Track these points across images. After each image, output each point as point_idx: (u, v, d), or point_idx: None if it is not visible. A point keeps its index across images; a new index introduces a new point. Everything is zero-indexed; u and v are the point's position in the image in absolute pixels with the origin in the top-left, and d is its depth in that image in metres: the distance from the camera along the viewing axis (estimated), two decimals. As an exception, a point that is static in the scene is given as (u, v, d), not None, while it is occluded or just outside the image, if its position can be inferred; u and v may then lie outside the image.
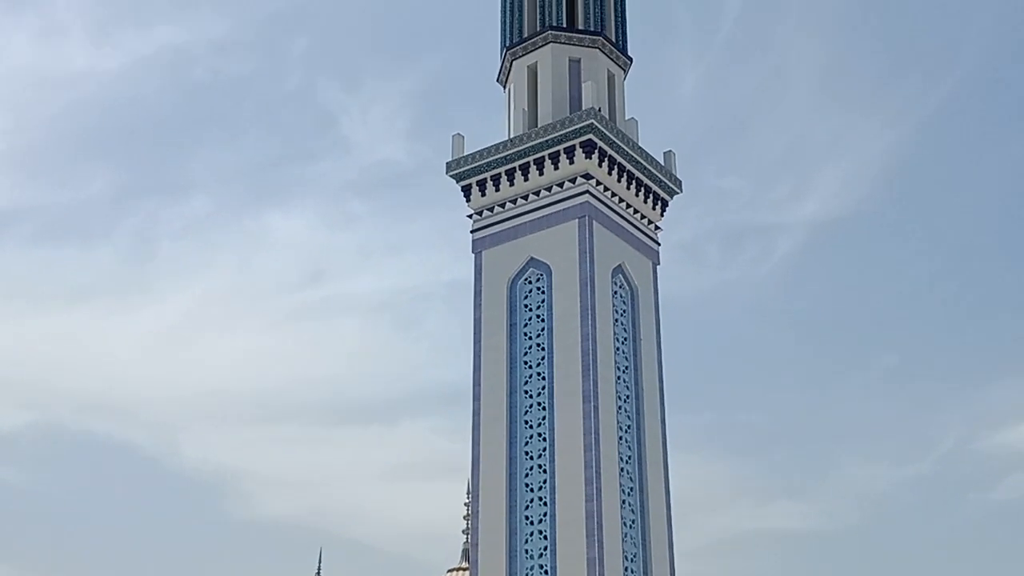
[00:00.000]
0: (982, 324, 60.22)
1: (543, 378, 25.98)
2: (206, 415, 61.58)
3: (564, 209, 27.33)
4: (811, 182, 62.59)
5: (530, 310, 26.87)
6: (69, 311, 63.04)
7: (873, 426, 59.53)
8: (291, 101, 64.72)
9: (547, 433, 25.37)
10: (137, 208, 64.69)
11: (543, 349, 26.27)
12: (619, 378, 26.31)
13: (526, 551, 24.78)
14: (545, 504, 24.78)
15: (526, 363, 26.39)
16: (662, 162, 29.25)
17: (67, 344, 60.93)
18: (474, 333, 27.31)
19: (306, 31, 65.26)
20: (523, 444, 25.66)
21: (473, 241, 28.23)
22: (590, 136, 27.39)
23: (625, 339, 27.03)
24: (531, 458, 25.45)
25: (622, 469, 25.53)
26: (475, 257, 28.08)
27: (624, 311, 27.40)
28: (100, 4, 63.43)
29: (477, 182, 28.46)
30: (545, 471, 25.07)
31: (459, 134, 29.16)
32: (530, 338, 26.58)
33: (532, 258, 27.31)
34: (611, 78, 29.57)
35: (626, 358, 26.84)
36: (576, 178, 27.38)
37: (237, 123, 65.37)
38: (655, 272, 28.63)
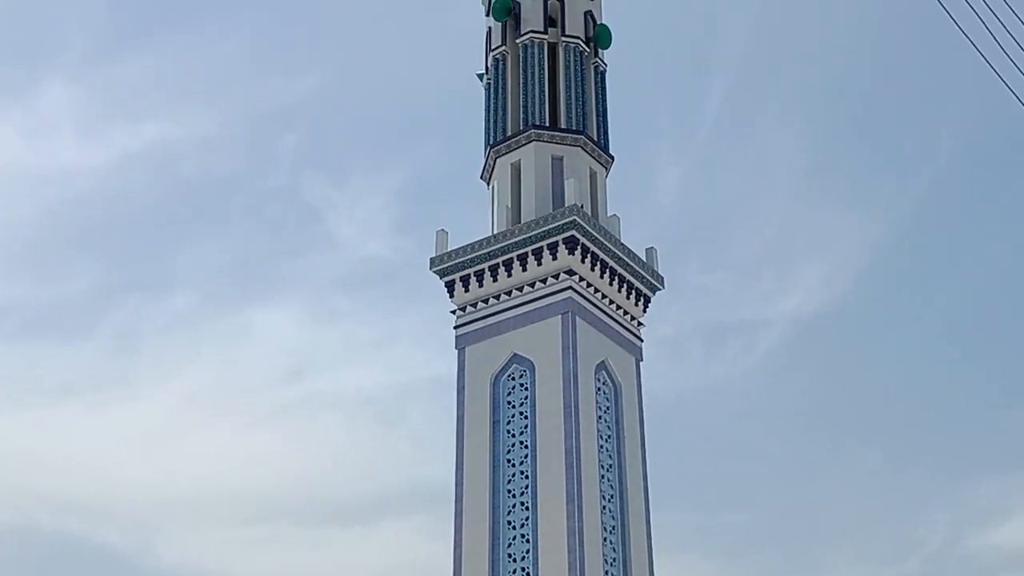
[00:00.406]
0: (966, 420, 59.83)
1: (526, 477, 25.54)
2: (185, 516, 60.46)
3: (547, 305, 27.16)
4: (793, 278, 62.62)
5: (513, 407, 26.51)
6: (50, 408, 62.18)
7: (859, 525, 58.79)
8: (278, 197, 64.69)
9: (530, 534, 24.85)
10: (121, 304, 64.20)
11: (527, 447, 25.87)
12: (603, 477, 25.87)
13: (509, 654, 24.16)
14: (528, 606, 24.21)
15: (509, 461, 25.97)
16: (644, 258, 29.16)
17: (47, 442, 60.01)
18: (457, 430, 26.91)
19: (295, 128, 65.48)
20: (506, 546, 25.11)
21: (456, 337, 27.96)
22: (573, 232, 27.33)
23: (609, 436, 26.67)
24: (514, 560, 24.88)
25: (607, 572, 24.99)
26: (458, 353, 27.78)
27: (608, 408, 27.06)
28: (90, 101, 63.59)
29: (460, 278, 28.29)
30: (528, 575, 24.54)
31: (443, 230, 29.06)
32: (513, 435, 26.20)
33: (515, 354, 27.04)
34: (593, 176, 29.60)
35: (610, 456, 26.45)
36: (559, 274, 27.25)
37: (224, 219, 65.26)
38: (638, 369, 28.36)
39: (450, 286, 28.40)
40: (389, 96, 62.80)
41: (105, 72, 63.43)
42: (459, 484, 26.20)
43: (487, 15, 31.51)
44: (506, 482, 25.77)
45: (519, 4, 30.65)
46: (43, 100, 63.42)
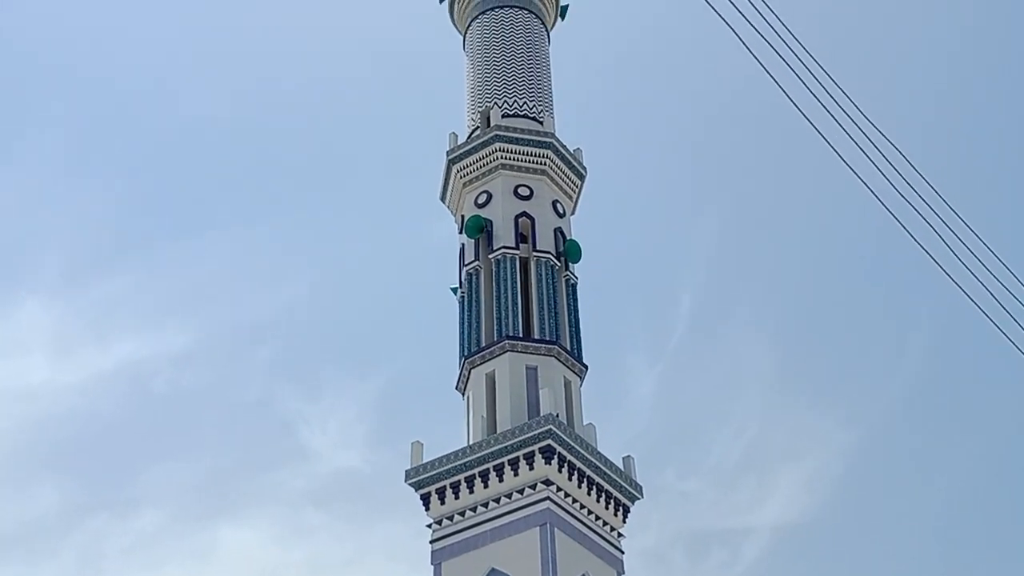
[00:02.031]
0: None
1: None
2: None
3: (525, 516, 25.96)
4: (773, 484, 61.40)
5: (492, 623, 25.05)
6: (11, 636, 59.23)
7: None
8: (250, 411, 63.54)
9: None
10: (86, 524, 61.89)
11: (507, 665, 24.31)
12: None
13: None
14: None
15: None
16: (622, 467, 28.19)
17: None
18: (433, 650, 25.36)
19: (267, 342, 64.96)
20: None
21: (432, 552, 26.59)
22: (549, 442, 26.43)
23: (592, 652, 25.13)
24: None
25: None
26: (434, 568, 26.33)
27: (589, 623, 25.61)
28: (65, 320, 63.09)
29: (436, 490, 27.16)
30: None
31: (418, 441, 28.08)
32: (493, 653, 24.66)
33: (493, 569, 25.67)
34: (568, 384, 28.92)
35: (594, 672, 24.86)
36: (536, 484, 26.18)
37: (194, 435, 63.86)
38: (620, 582, 27.03)
39: (426, 499, 27.24)
40: (363, 309, 62.87)
41: (81, 291, 63.21)
42: None
43: (460, 232, 31.46)
44: None
45: (491, 222, 30.63)
46: (18, 319, 62.80)
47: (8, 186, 62.89)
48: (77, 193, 64.76)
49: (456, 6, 34.81)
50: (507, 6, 33.86)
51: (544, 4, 34.43)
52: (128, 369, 62.25)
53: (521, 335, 29.02)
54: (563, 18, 34.95)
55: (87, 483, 62.45)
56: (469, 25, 34.32)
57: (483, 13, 34.03)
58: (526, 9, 34.01)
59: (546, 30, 34.44)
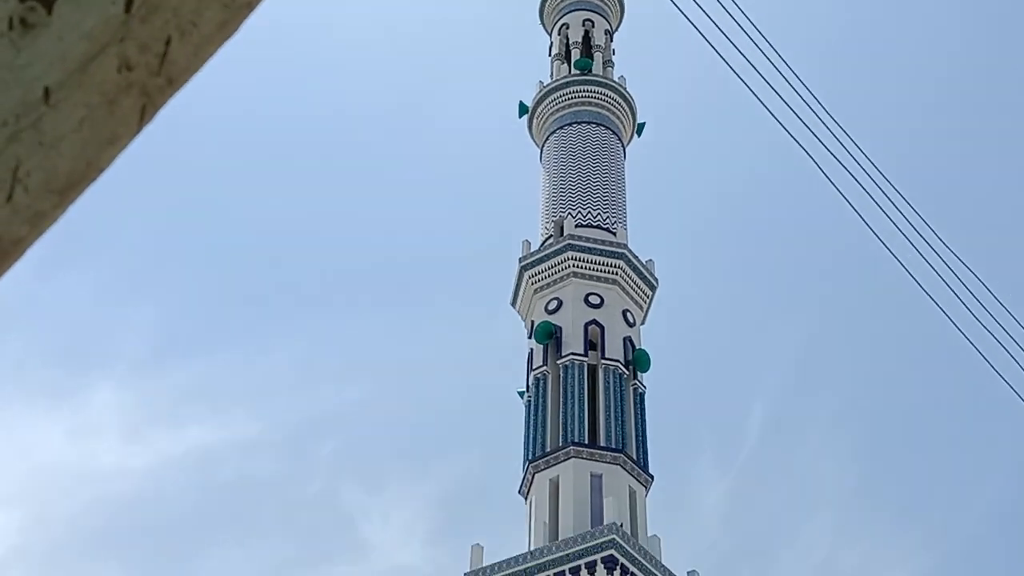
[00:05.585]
0: None
1: None
2: None
3: (584, 627, 24.11)
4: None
5: None
6: None
7: None
8: (312, 503, 61.76)
9: None
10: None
11: None
12: None
13: None
14: None
15: None
16: (686, 582, 26.23)
17: None
18: None
19: (333, 436, 63.58)
20: None
21: (488, 659, 24.76)
22: (612, 552, 24.60)
23: None
24: None
25: None
26: (490, 676, 24.50)
27: None
28: (136, 406, 62.31)
29: (495, 595, 25.38)
30: None
31: (478, 544, 26.38)
32: None
33: None
34: (633, 494, 27.13)
35: None
36: (597, 595, 24.34)
37: (256, 524, 62.14)
38: None
39: (484, 604, 25.48)
40: (428, 408, 61.31)
41: (153, 379, 62.52)
42: None
43: (529, 337, 30.17)
44: None
45: (560, 328, 29.36)
46: (91, 403, 62.10)
47: (90, 273, 62.95)
48: (153, 286, 64.63)
49: (535, 121, 34.09)
50: (584, 122, 33.07)
51: (621, 122, 33.57)
52: (196, 455, 61.27)
53: (587, 442, 27.42)
54: (639, 135, 34.04)
55: (148, 567, 60.81)
56: (547, 139, 33.50)
57: (561, 128, 33.25)
58: (603, 125, 33.17)
59: (622, 145, 33.52)
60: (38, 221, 1.53)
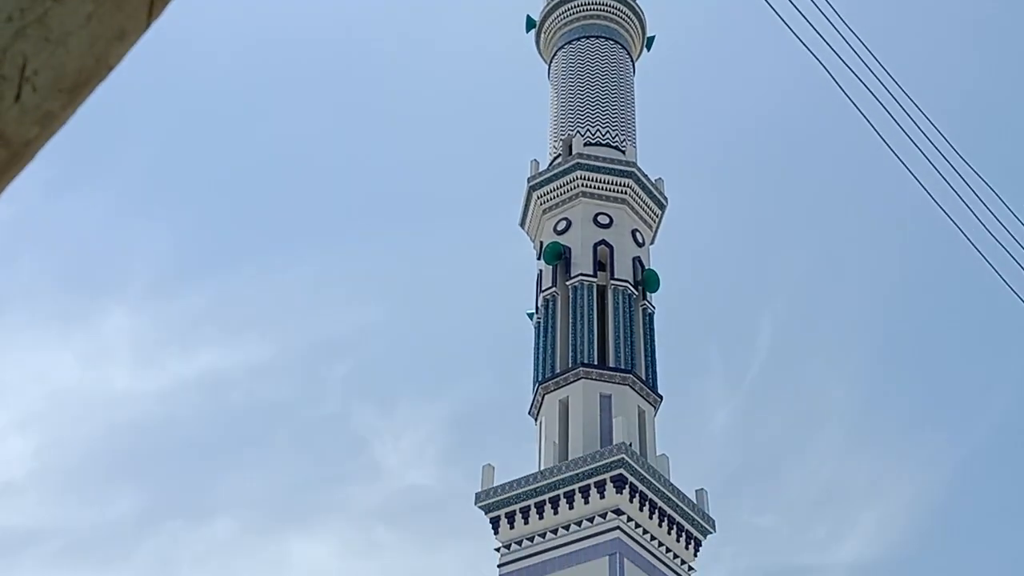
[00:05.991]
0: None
1: None
2: None
3: (594, 545, 24.27)
4: (851, 523, 58.45)
5: (557, 653, 23.35)
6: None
7: None
8: (325, 426, 62.20)
9: None
10: (160, 530, 60.96)
11: None
12: None
13: None
14: None
15: None
16: (695, 500, 26.42)
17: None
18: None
19: (346, 358, 63.75)
20: None
21: (500, 575, 25.08)
22: (621, 471, 24.75)
23: None
24: None
25: None
26: (500, 593, 24.83)
27: (657, 658, 23.81)
28: (149, 329, 62.42)
29: (506, 514, 25.56)
30: None
31: (490, 464, 26.55)
32: None
33: (560, 596, 24.06)
34: (642, 414, 27.23)
35: None
36: (607, 513, 24.49)
37: (269, 447, 62.67)
38: (689, 617, 25.21)
39: (495, 522, 25.66)
40: (439, 331, 61.42)
41: (166, 302, 62.57)
42: None
43: (538, 258, 30.05)
44: None
45: (569, 249, 29.22)
46: (104, 327, 62.32)
47: (99, 198, 62.66)
48: (166, 207, 64.33)
49: (542, 36, 33.57)
50: (593, 36, 32.56)
51: (630, 35, 33.07)
52: (208, 378, 61.50)
53: (596, 363, 27.44)
54: (649, 49, 33.55)
55: (163, 490, 61.57)
56: (555, 54, 33.05)
57: (569, 43, 32.76)
58: (612, 39, 32.67)
59: (631, 60, 33.05)
60: (48, 122, 1.45)
